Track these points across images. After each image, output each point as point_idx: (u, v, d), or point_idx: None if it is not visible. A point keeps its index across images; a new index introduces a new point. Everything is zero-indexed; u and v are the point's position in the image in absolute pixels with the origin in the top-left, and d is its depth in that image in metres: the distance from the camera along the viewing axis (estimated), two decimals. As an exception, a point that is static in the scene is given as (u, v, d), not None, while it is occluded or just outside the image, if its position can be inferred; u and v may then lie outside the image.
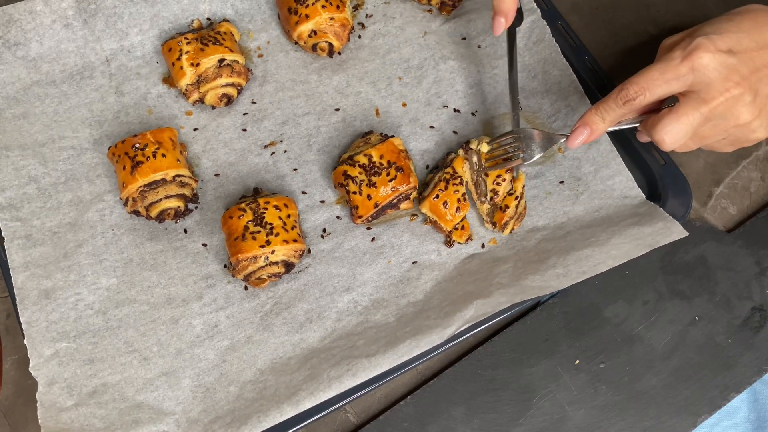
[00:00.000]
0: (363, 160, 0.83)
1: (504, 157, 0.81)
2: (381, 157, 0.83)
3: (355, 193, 0.82)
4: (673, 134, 0.69)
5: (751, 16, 0.69)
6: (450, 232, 0.83)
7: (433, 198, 0.82)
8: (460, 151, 0.84)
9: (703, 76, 0.66)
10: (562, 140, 0.78)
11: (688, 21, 1.00)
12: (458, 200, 0.82)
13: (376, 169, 0.82)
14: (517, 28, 0.91)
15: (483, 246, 0.84)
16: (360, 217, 0.83)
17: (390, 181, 0.82)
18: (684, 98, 0.68)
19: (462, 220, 0.83)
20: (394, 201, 0.83)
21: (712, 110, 0.67)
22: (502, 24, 0.80)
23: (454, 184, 0.82)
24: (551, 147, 0.80)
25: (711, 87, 0.66)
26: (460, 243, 0.83)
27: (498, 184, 0.82)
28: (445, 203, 0.81)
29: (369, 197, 0.82)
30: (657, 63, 0.68)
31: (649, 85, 0.68)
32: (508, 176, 0.83)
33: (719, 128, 0.69)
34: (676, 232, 0.78)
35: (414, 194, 0.84)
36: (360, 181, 0.82)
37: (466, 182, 0.84)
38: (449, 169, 0.83)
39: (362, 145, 0.85)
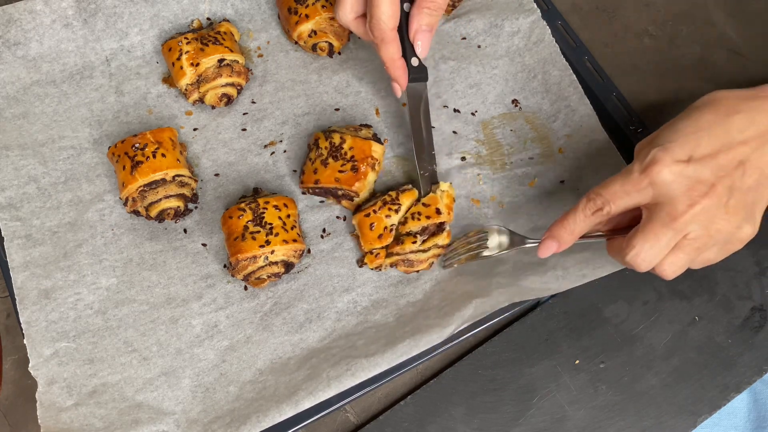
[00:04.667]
0: (336, 139, 0.83)
1: (468, 251, 0.80)
2: (351, 148, 0.82)
3: (310, 160, 0.83)
4: (644, 255, 0.64)
5: (710, 109, 0.64)
6: (365, 253, 0.81)
7: (365, 215, 0.80)
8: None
9: (665, 190, 0.62)
10: (529, 245, 0.77)
11: (688, 21, 1.00)
12: (385, 228, 0.79)
13: (338, 155, 0.82)
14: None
15: (483, 246, 0.84)
16: (302, 183, 0.84)
17: (339, 172, 0.82)
18: (650, 213, 0.64)
19: (381, 248, 0.80)
20: (339, 193, 0.83)
21: (683, 225, 0.62)
22: (397, 89, 0.83)
23: (389, 208, 0.79)
24: (520, 246, 0.77)
25: (676, 201, 0.62)
26: (369, 268, 0.81)
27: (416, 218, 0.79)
28: (372, 225, 0.79)
29: (315, 171, 0.82)
30: (619, 174, 0.65)
31: (612, 197, 0.65)
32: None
33: (701, 240, 0.64)
34: None
35: (357, 199, 0.83)
36: (320, 154, 0.83)
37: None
38: (393, 193, 0.81)
39: (350, 130, 0.85)
